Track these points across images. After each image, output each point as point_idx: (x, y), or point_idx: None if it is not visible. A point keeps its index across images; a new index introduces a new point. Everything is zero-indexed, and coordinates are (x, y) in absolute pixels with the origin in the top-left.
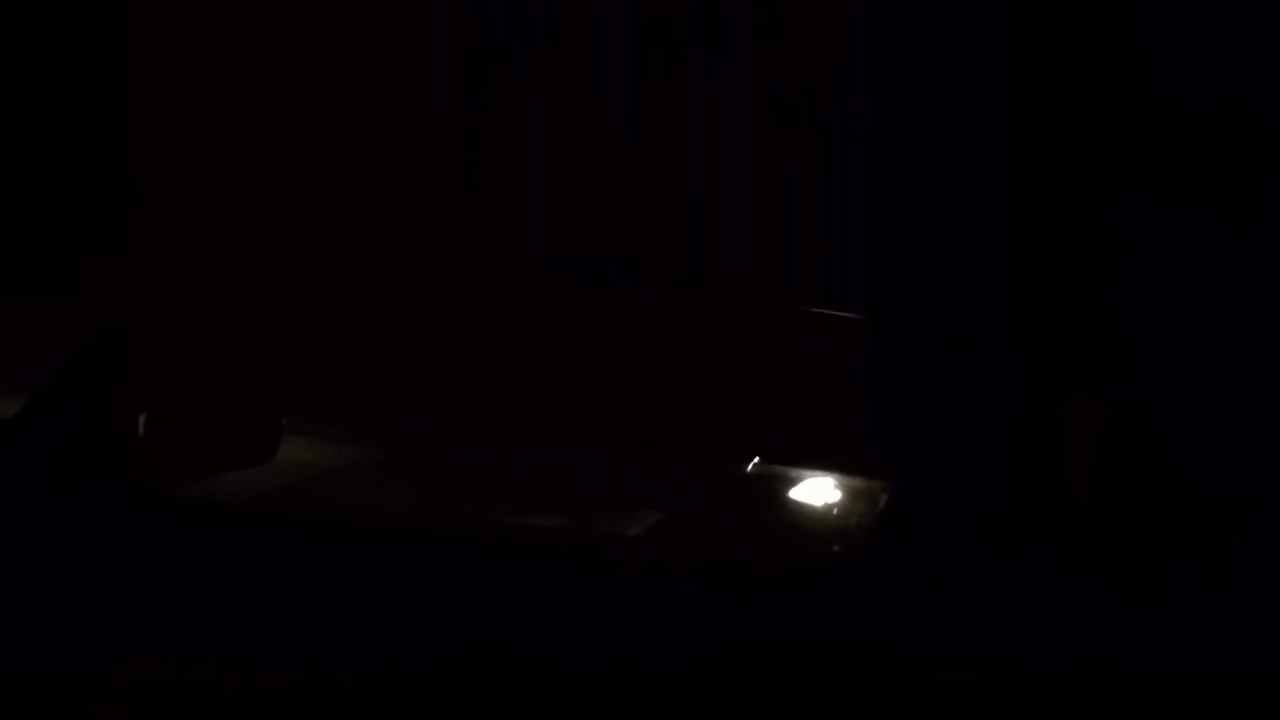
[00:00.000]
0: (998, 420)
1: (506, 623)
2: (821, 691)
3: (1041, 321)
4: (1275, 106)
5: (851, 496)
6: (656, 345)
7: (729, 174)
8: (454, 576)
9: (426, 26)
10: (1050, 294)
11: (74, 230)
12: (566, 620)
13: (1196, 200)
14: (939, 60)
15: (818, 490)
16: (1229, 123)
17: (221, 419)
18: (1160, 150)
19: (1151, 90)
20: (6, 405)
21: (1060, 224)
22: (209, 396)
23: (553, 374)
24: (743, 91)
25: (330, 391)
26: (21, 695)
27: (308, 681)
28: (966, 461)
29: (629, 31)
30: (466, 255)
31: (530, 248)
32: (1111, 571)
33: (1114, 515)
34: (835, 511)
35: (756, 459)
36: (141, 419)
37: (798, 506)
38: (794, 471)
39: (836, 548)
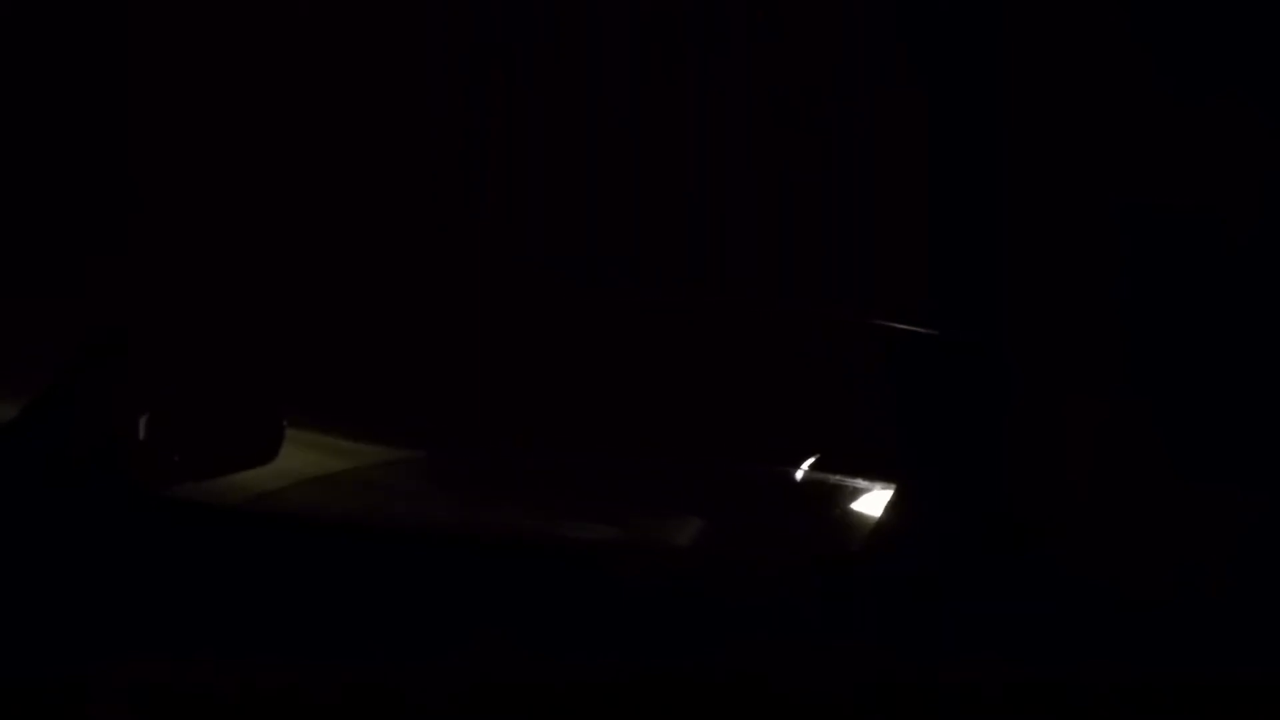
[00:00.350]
0: (998, 420)
1: (506, 623)
2: (821, 691)
3: (1041, 321)
4: (1275, 106)
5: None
6: (656, 345)
7: (729, 174)
8: (454, 576)
9: (426, 26)
10: (1050, 294)
11: (74, 230)
12: (566, 620)
13: (1196, 200)
14: (938, 60)
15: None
16: (1229, 123)
17: (221, 419)
18: (1160, 150)
19: (1151, 90)
20: (6, 405)
21: (1060, 224)
22: (209, 396)
23: (553, 374)
24: (743, 91)
25: (331, 391)
26: (21, 695)
27: (308, 681)
28: (967, 462)
29: (629, 31)
30: (466, 255)
31: (530, 248)
32: (1111, 571)
33: (1114, 515)
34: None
35: (807, 464)
36: (141, 419)
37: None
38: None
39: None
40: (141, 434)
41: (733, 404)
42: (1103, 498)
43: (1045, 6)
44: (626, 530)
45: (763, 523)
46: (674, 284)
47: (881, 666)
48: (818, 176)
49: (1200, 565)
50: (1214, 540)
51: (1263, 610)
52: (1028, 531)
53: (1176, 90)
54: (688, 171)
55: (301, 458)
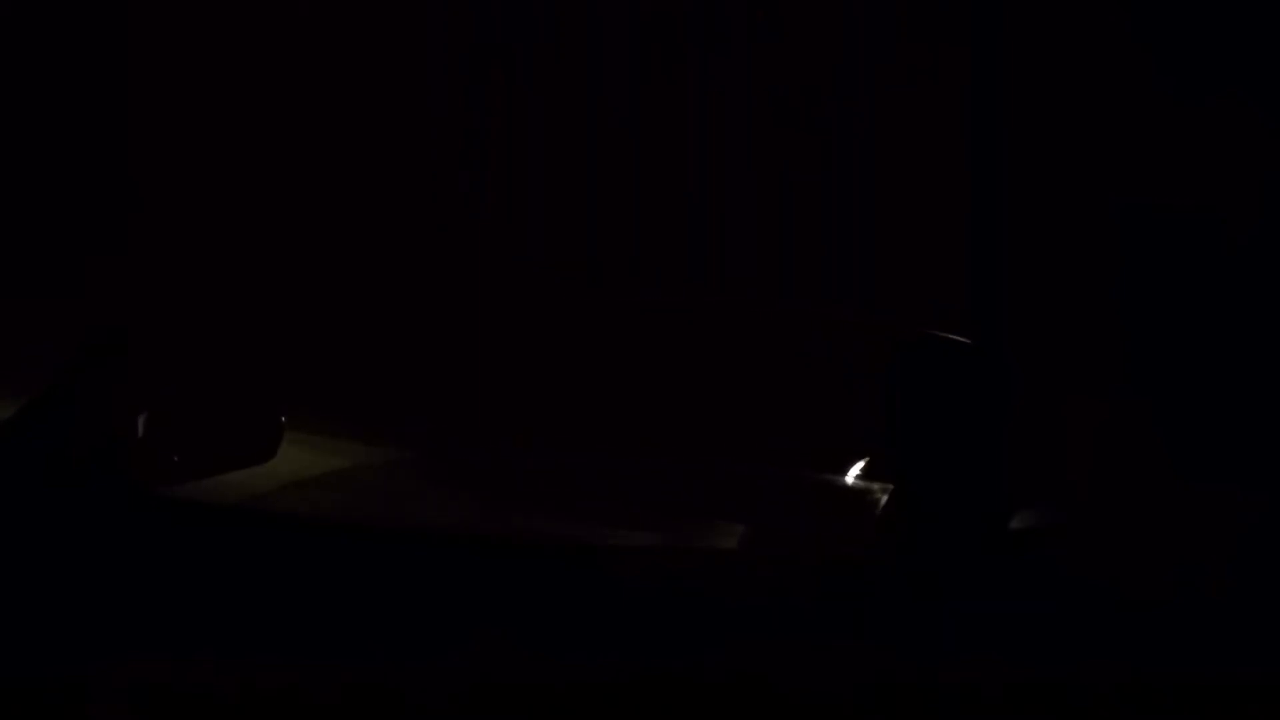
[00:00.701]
0: (998, 420)
1: (506, 623)
2: (821, 691)
3: (1041, 321)
4: (1275, 106)
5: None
6: (657, 345)
7: (729, 174)
8: (454, 576)
9: (426, 26)
10: (1050, 294)
11: (74, 230)
12: (566, 620)
13: (1196, 200)
14: (938, 60)
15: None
16: (1229, 123)
17: (221, 419)
18: (1160, 150)
19: (1151, 90)
20: (6, 405)
21: (1060, 224)
22: (209, 396)
23: (553, 374)
24: (743, 91)
25: (330, 391)
26: (21, 695)
27: (308, 681)
28: (967, 462)
29: (629, 31)
30: (466, 255)
31: (530, 248)
32: (1111, 571)
33: (1114, 515)
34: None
35: (856, 468)
36: (141, 419)
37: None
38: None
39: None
40: (141, 434)
41: (733, 404)
42: (1103, 498)
43: (1045, 6)
44: (627, 530)
45: (763, 523)
46: (674, 284)
47: (881, 666)
48: (818, 176)
49: (1200, 565)
50: (1214, 540)
51: (1263, 610)
52: (1028, 531)
53: (1176, 90)
54: (688, 171)
55: (301, 458)
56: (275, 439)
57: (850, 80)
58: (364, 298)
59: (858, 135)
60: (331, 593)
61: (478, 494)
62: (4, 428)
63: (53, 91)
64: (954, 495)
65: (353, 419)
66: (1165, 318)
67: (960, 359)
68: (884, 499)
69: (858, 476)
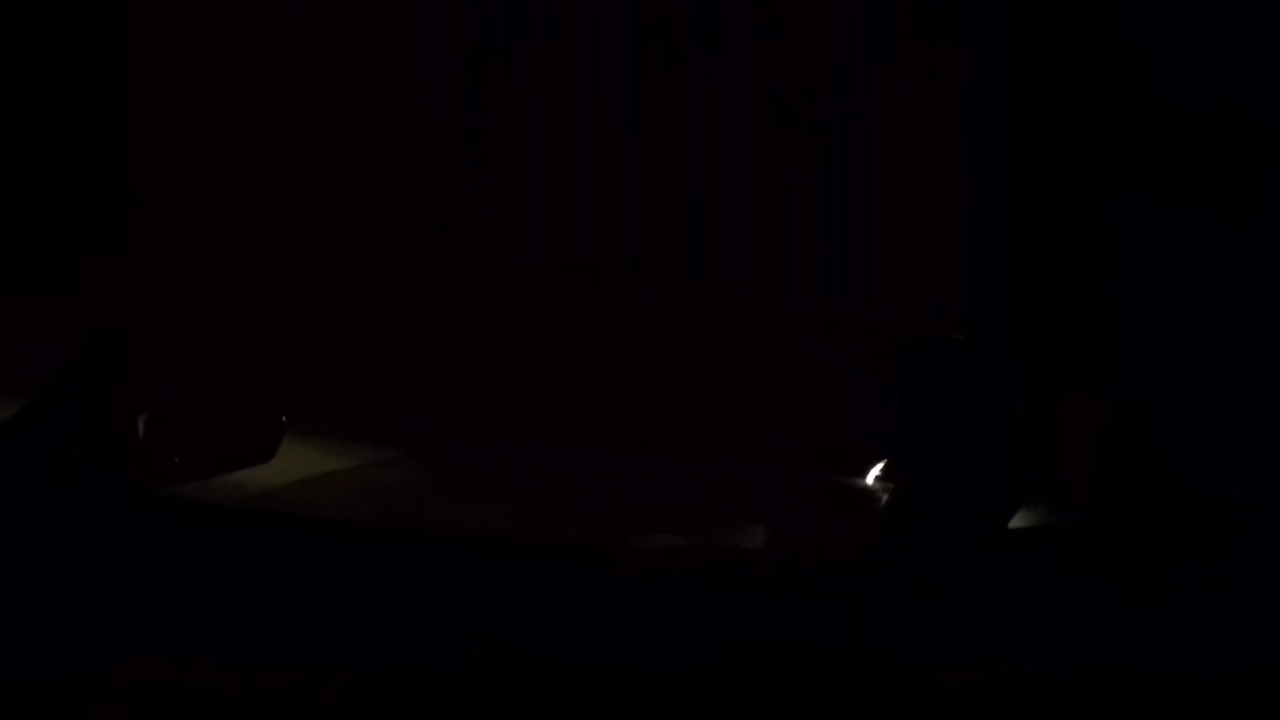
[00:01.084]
0: (998, 420)
1: (506, 623)
2: (821, 691)
3: (1041, 321)
4: (1275, 106)
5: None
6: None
7: (729, 174)
8: (454, 576)
9: (426, 26)
10: (1050, 294)
11: (74, 230)
12: (566, 620)
13: (1196, 200)
14: (938, 60)
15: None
16: (1229, 123)
17: (221, 419)
18: (1160, 150)
19: (1151, 90)
20: (6, 405)
21: (1060, 224)
22: (209, 396)
23: (553, 374)
24: (743, 91)
25: (330, 391)
26: (21, 695)
27: (308, 681)
28: (967, 462)
29: (629, 31)
30: (466, 255)
31: (530, 248)
32: (1111, 571)
33: (1114, 515)
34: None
35: (876, 469)
36: (141, 419)
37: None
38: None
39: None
40: (141, 434)
41: (733, 404)
42: (1103, 498)
43: (1045, 6)
44: (626, 530)
45: (763, 523)
46: (674, 284)
47: (881, 666)
48: (818, 176)
49: (1200, 565)
50: (1214, 540)
51: (1263, 610)
52: (1028, 531)
53: (1176, 90)
54: (688, 171)
55: (301, 458)
56: (275, 439)
57: (850, 80)
58: (364, 298)
59: (858, 135)
60: (331, 593)
61: (478, 494)
62: (4, 428)
63: (53, 91)
64: (954, 495)
65: (353, 419)
66: (1165, 318)
67: (960, 359)
68: (884, 499)
69: (877, 478)
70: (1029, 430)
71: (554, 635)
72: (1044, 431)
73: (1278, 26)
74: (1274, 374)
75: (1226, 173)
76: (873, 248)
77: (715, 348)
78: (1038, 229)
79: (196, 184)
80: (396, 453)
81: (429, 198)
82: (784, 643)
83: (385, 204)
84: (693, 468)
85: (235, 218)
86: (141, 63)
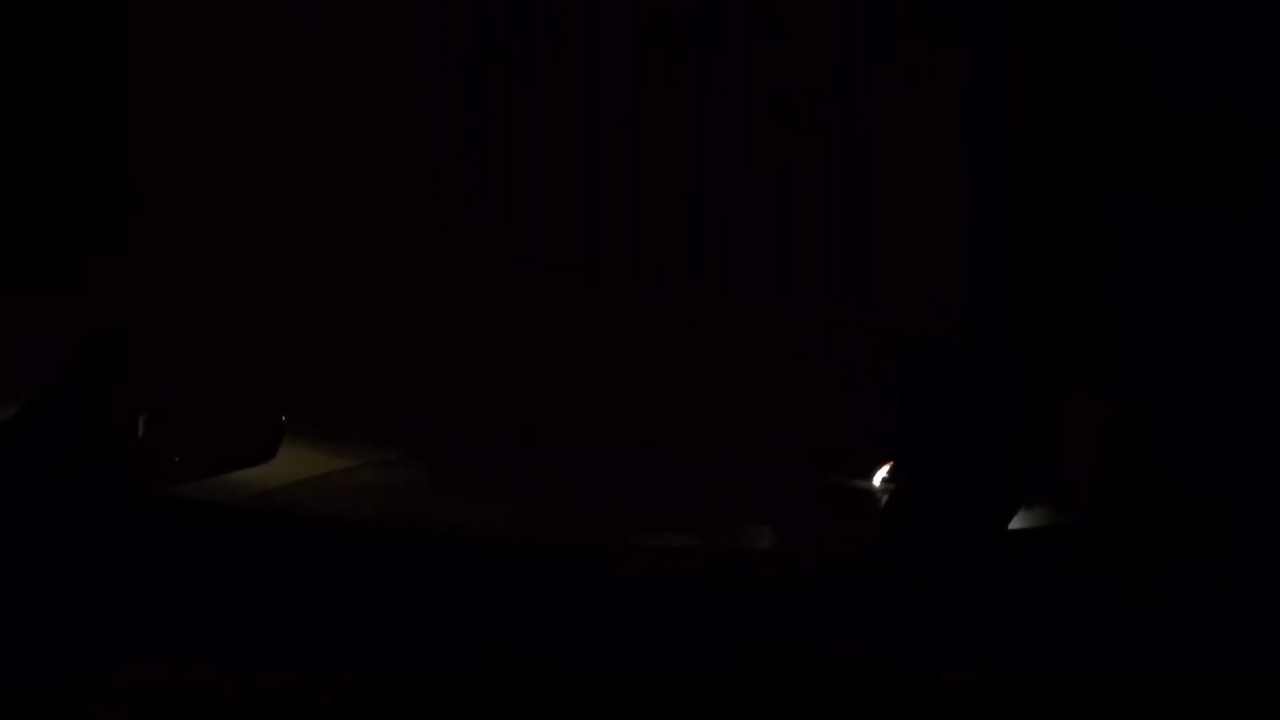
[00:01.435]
0: (998, 420)
1: (506, 623)
2: (821, 691)
3: (1041, 321)
4: (1275, 106)
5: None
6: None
7: (729, 174)
8: (454, 576)
9: (426, 26)
10: (1050, 294)
11: (74, 230)
12: (566, 620)
13: (1196, 200)
14: (938, 60)
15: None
16: (1229, 123)
17: (221, 419)
18: (1160, 150)
19: (1151, 90)
20: (6, 405)
21: (1060, 224)
22: (209, 396)
23: (553, 374)
24: (743, 91)
25: (330, 391)
26: (21, 695)
27: (308, 681)
28: (967, 462)
29: (629, 31)
30: (466, 255)
31: (530, 248)
32: (1111, 571)
33: (1114, 515)
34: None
35: (883, 471)
36: (141, 419)
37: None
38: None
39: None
40: (141, 434)
41: (733, 404)
42: (1103, 498)
43: (1045, 7)
44: (626, 530)
45: (763, 523)
46: (674, 284)
47: (881, 666)
48: (818, 176)
49: (1200, 565)
50: (1214, 540)
51: (1263, 610)
52: (1028, 531)
53: (1176, 90)
54: (688, 171)
55: (301, 458)
56: (275, 439)
57: (850, 80)
58: (364, 298)
59: (858, 135)
60: (331, 593)
61: (478, 494)
62: (4, 428)
63: (53, 91)
64: (954, 495)
65: (353, 419)
66: (1165, 318)
67: (960, 359)
68: (884, 499)
69: (883, 480)
70: (1029, 430)
71: (554, 635)
72: (1044, 431)
73: (1278, 26)
74: (1274, 374)
75: (1226, 173)
76: (873, 248)
77: (715, 348)
78: (1038, 229)
79: (196, 184)
80: (396, 453)
81: (429, 198)
82: (784, 643)
83: (385, 204)
84: (693, 468)
85: (235, 218)
86: (141, 63)
